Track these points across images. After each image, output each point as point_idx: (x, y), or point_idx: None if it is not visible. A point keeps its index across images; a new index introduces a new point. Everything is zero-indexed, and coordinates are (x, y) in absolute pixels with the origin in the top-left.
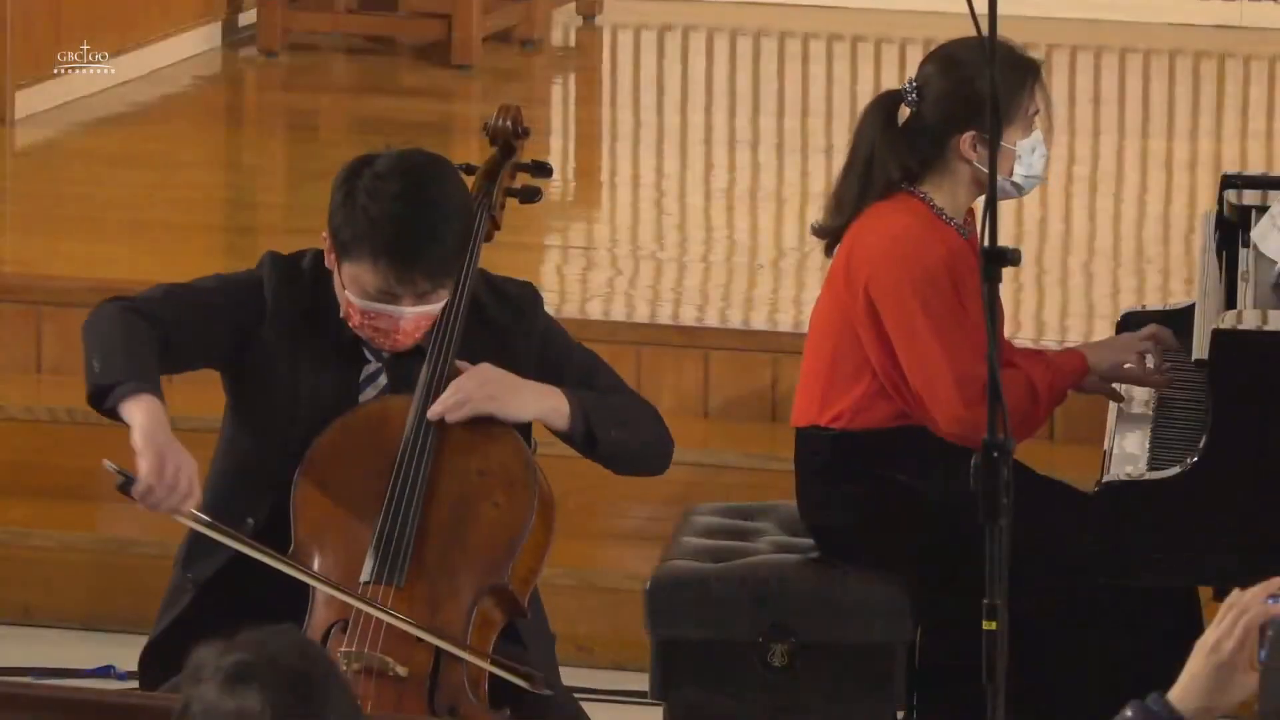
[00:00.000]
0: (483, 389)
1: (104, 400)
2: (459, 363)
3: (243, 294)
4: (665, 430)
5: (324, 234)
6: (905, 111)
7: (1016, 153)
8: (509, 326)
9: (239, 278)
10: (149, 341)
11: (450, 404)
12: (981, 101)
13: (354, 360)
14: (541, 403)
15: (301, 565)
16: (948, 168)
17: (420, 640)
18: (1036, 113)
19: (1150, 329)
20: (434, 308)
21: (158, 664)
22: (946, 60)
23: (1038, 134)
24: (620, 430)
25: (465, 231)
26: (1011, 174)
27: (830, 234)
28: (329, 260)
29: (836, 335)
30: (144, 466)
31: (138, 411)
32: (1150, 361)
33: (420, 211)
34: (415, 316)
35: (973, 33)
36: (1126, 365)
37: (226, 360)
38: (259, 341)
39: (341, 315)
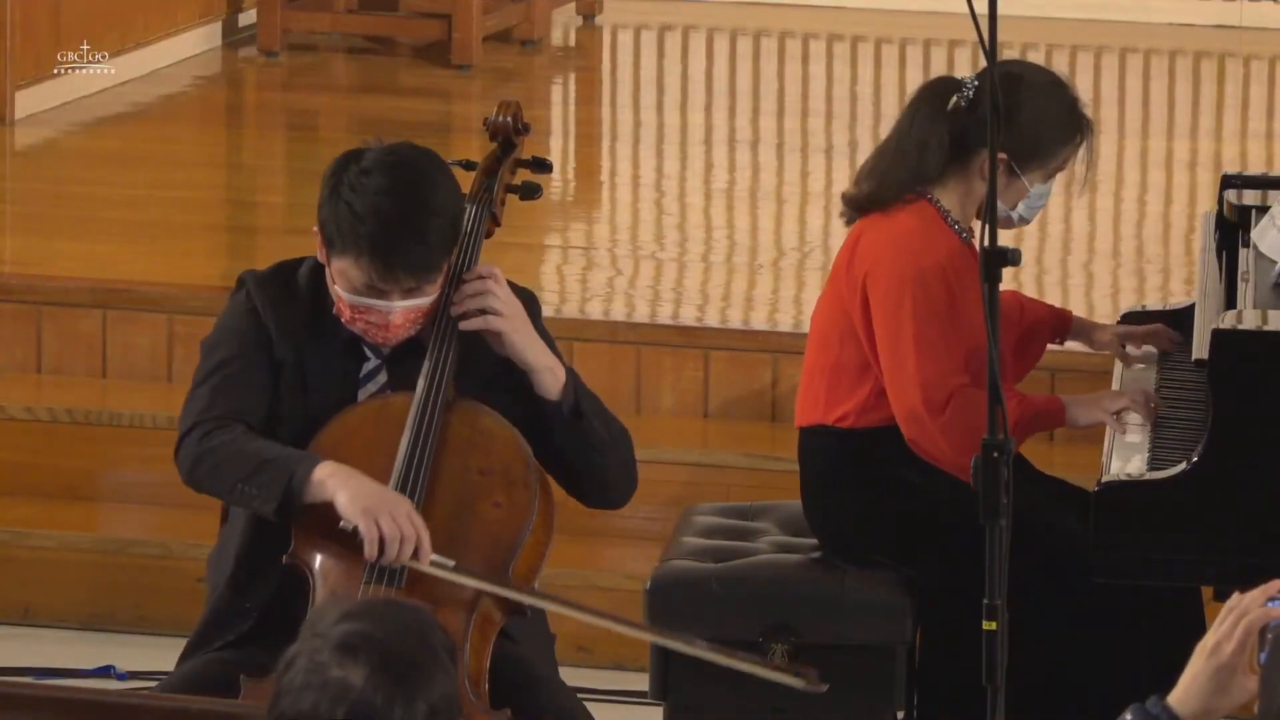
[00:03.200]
0: (506, 308)
1: (292, 509)
2: (482, 266)
3: (249, 335)
4: (634, 464)
5: (314, 228)
6: (953, 103)
7: (1029, 192)
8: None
9: (236, 321)
10: (250, 438)
11: (471, 306)
12: (1023, 132)
13: (354, 357)
14: (546, 358)
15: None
16: (966, 178)
17: None
18: (1060, 169)
19: (1137, 393)
20: (423, 301)
21: (219, 684)
22: (1009, 78)
23: (1052, 184)
24: (603, 428)
25: (452, 227)
26: (1014, 208)
27: (859, 206)
28: (320, 255)
29: (840, 333)
30: (364, 533)
31: (326, 490)
32: (1131, 421)
33: (404, 208)
34: (404, 310)
35: (972, 33)
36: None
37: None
38: (274, 360)
39: (334, 311)
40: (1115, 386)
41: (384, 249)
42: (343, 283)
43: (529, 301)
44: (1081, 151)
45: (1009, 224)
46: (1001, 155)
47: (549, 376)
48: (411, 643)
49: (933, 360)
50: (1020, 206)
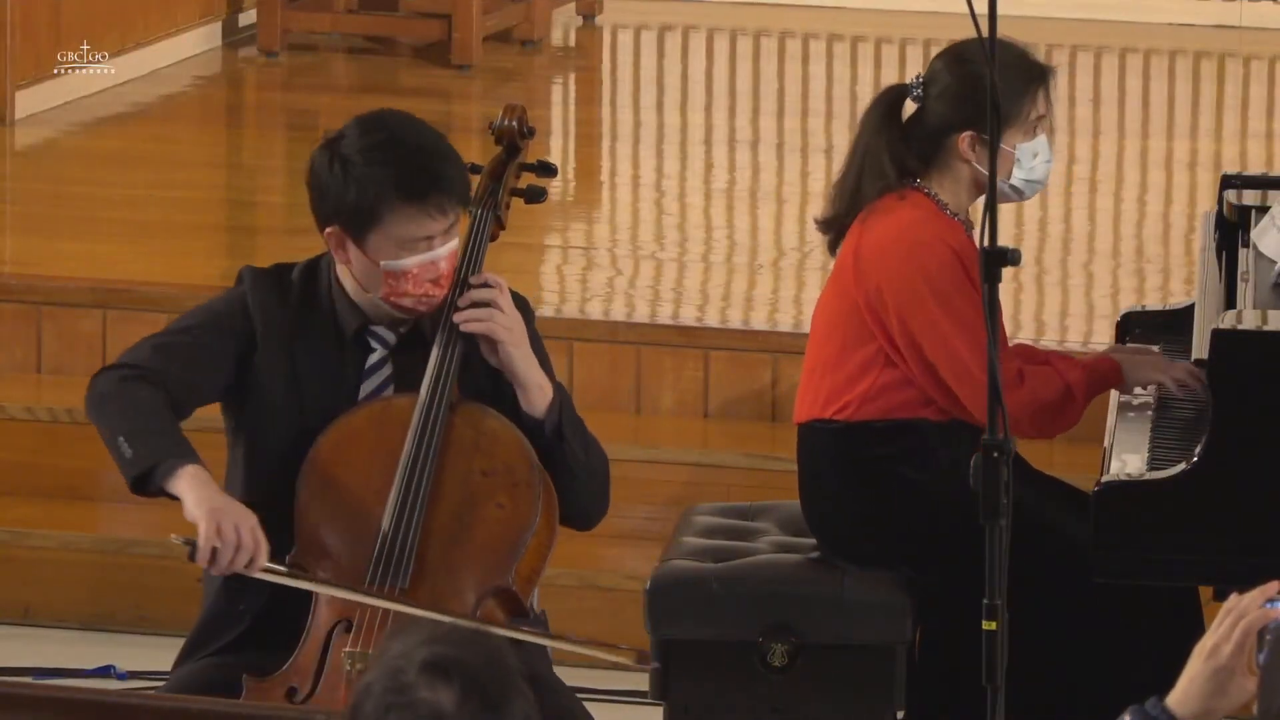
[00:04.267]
0: (506, 319)
1: (147, 485)
2: (487, 275)
3: (229, 321)
4: (608, 489)
5: (327, 230)
6: (911, 107)
7: (1016, 156)
8: None
9: (221, 305)
10: (161, 406)
11: (476, 313)
12: (976, 102)
13: (357, 352)
14: (537, 374)
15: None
16: (948, 166)
17: None
18: (1041, 118)
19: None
20: (455, 243)
21: (207, 687)
22: (954, 58)
23: (1042, 140)
24: (582, 451)
25: (456, 153)
26: (1010, 177)
27: (831, 227)
28: (339, 256)
29: (844, 329)
30: (201, 533)
31: (183, 485)
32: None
33: (417, 142)
34: (448, 256)
35: (972, 33)
36: (1159, 382)
37: (230, 390)
38: (255, 361)
39: (385, 297)
40: (1110, 427)
41: (424, 181)
42: (388, 253)
43: (523, 308)
44: (1042, 97)
45: (1019, 196)
46: (970, 133)
47: (537, 394)
48: (496, 668)
49: (981, 344)
50: (1016, 174)
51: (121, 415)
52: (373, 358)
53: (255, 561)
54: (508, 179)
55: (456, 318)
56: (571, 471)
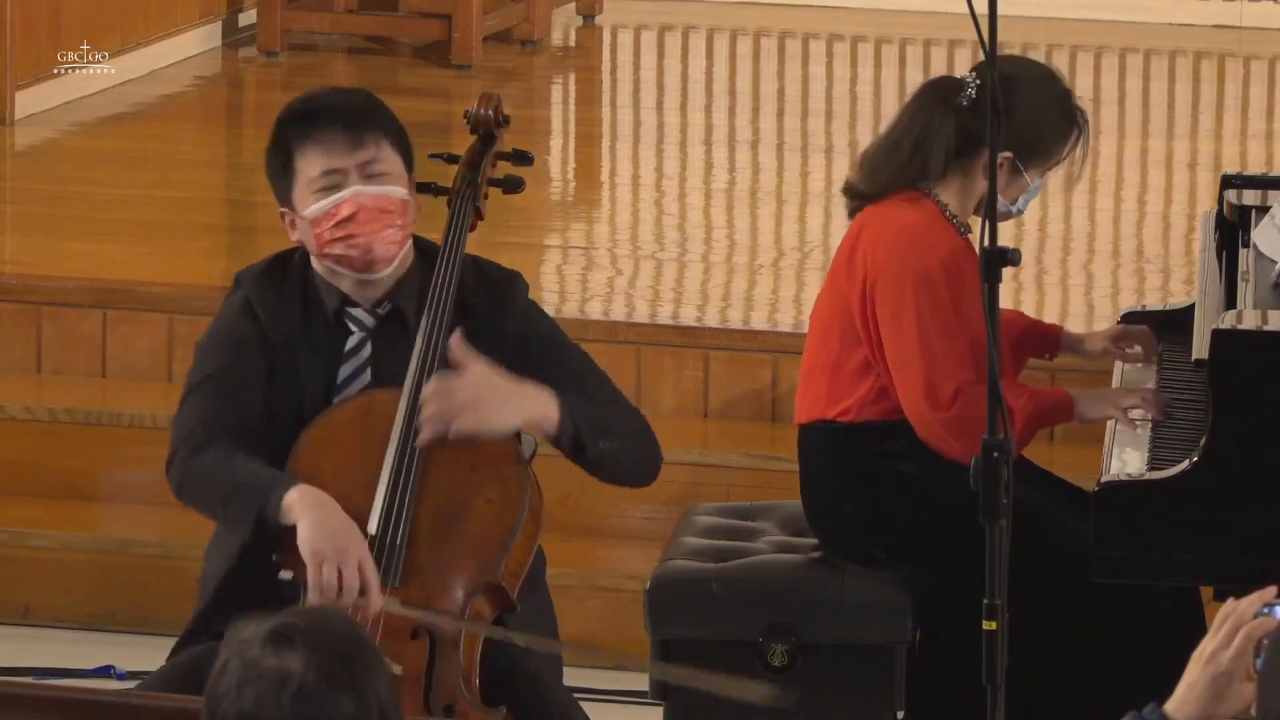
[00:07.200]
0: (466, 409)
1: (266, 534)
2: (447, 373)
3: (244, 339)
4: (654, 443)
5: (280, 212)
6: (964, 100)
7: (1030, 187)
8: (486, 315)
9: (230, 327)
10: (229, 458)
11: (434, 433)
12: (1023, 132)
13: (338, 335)
14: (529, 410)
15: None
16: (969, 175)
17: (415, 638)
18: (1060, 162)
19: (1147, 391)
20: (389, 190)
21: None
22: (1004, 78)
23: (1048, 175)
24: (609, 441)
25: (398, 123)
26: (1015, 202)
27: (858, 197)
28: (292, 237)
29: (841, 329)
30: (309, 581)
31: (291, 511)
32: (1136, 416)
33: (343, 92)
34: (375, 197)
35: (972, 33)
36: (1112, 417)
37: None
38: (274, 359)
39: (317, 253)
40: (1116, 385)
41: (319, 118)
42: (307, 201)
43: (514, 282)
44: (1079, 144)
45: (1007, 217)
46: (1007, 154)
47: (543, 423)
48: (344, 631)
49: (936, 358)
50: (1018, 200)
51: (206, 493)
52: (351, 340)
53: (368, 597)
54: (484, 169)
55: (420, 443)
56: (606, 466)
